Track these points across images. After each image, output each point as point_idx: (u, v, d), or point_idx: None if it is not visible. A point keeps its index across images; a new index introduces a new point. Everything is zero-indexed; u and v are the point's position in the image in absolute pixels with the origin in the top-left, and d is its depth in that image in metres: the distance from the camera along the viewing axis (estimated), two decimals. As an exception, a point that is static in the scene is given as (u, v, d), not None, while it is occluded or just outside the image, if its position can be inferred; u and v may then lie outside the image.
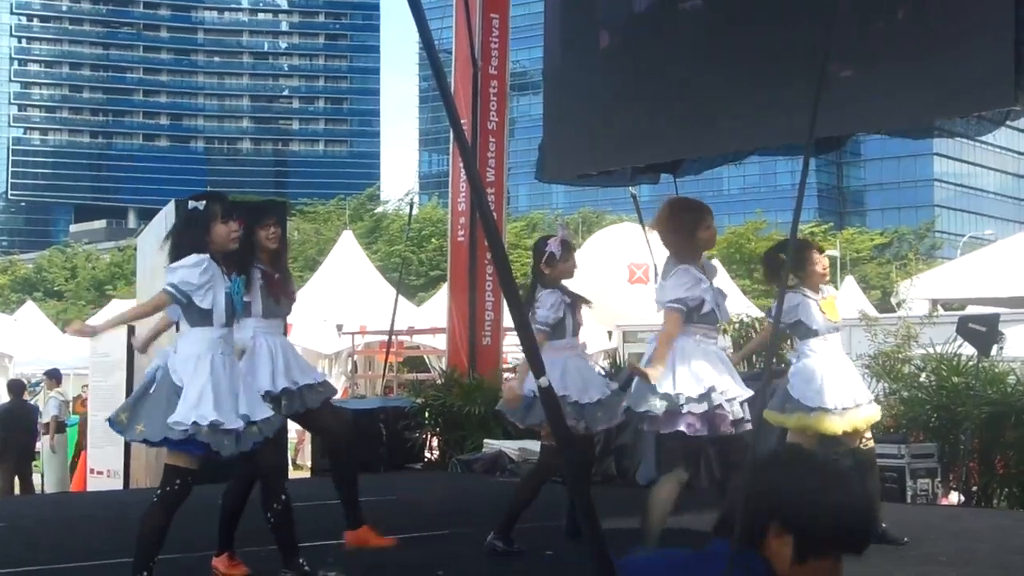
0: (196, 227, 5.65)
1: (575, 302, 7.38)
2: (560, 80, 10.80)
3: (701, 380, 5.98)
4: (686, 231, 6.26)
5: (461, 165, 15.50)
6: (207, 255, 5.56)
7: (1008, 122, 7.86)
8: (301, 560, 5.87)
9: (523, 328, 4.71)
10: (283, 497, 5.81)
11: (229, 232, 5.66)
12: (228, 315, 5.59)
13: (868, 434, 7.57)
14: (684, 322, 6.17)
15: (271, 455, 5.85)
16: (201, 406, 5.40)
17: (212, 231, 5.62)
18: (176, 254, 5.64)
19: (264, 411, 5.64)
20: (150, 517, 5.58)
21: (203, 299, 5.51)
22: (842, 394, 7.32)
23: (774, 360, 11.47)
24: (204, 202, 5.71)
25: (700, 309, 6.17)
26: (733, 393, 6.04)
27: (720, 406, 5.99)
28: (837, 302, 7.61)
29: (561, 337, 7.31)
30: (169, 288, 5.51)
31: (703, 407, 5.95)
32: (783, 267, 7.31)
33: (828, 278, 7.68)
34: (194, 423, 5.38)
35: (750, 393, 6.17)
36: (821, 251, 7.64)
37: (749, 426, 6.14)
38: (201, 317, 5.54)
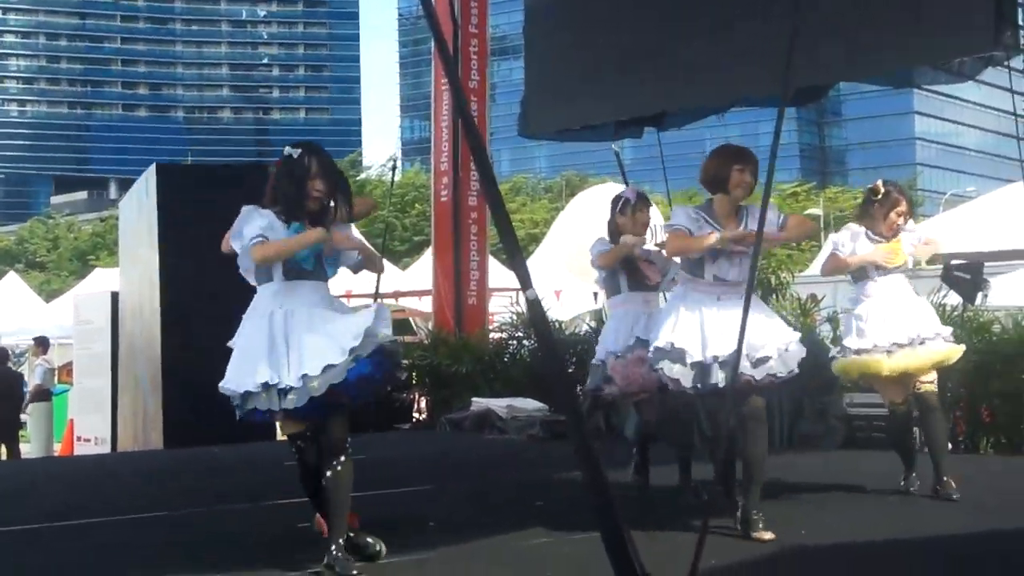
0: (290, 177, 5.33)
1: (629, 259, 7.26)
2: (542, 34, 10.74)
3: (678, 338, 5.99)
4: (721, 167, 6.16)
5: (444, 126, 15.46)
6: (255, 207, 5.34)
7: (990, 66, 7.83)
8: (334, 549, 5.23)
9: (507, 238, 4.56)
10: (336, 467, 5.28)
11: (312, 188, 5.33)
12: (290, 266, 5.28)
13: (929, 376, 7.22)
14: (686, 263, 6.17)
15: (334, 425, 5.33)
16: (232, 374, 5.26)
17: (305, 184, 5.32)
18: (269, 197, 5.38)
19: (317, 367, 5.14)
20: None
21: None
22: (891, 332, 7.02)
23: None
24: (299, 151, 5.37)
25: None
26: (713, 354, 5.93)
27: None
28: (907, 243, 7.22)
29: (615, 292, 7.33)
30: (256, 239, 5.24)
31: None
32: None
33: (898, 226, 7.19)
34: (231, 390, 5.24)
35: (770, 346, 5.99)
36: (911, 208, 7.28)
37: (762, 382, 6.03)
38: (263, 273, 5.35)
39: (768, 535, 5.96)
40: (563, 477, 7.68)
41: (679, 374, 5.98)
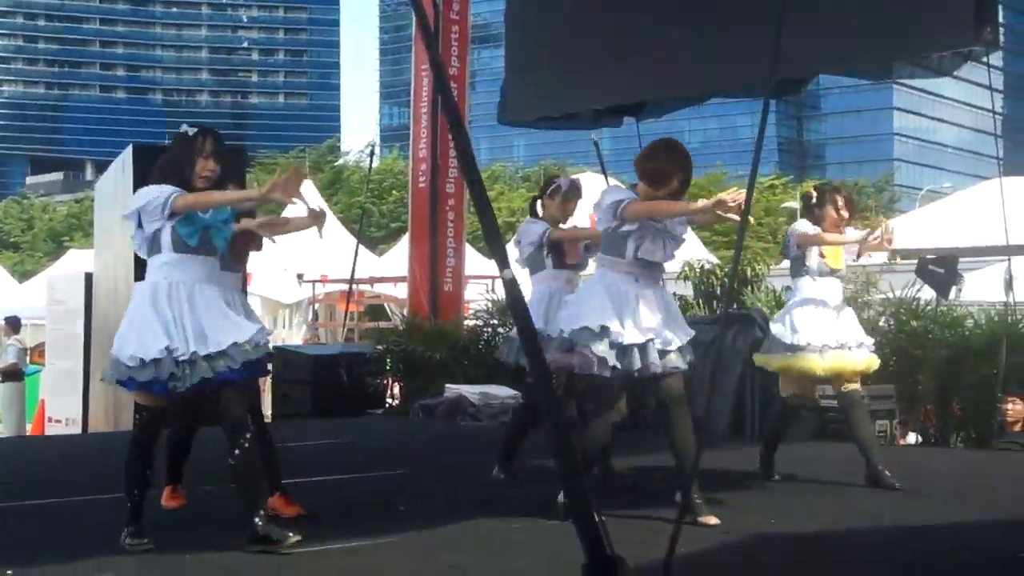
0: (182, 154, 5.51)
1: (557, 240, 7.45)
2: (522, 21, 10.73)
3: (598, 319, 5.96)
4: (667, 168, 6.11)
5: (423, 112, 15.43)
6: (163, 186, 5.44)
7: (970, 61, 7.86)
8: (258, 520, 5.33)
9: (485, 216, 4.51)
10: (244, 444, 5.36)
11: (203, 169, 5.49)
12: (177, 242, 5.38)
13: (853, 380, 7.45)
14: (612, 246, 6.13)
15: (234, 403, 5.40)
16: (126, 344, 5.32)
17: (195, 162, 5.48)
18: (158, 175, 5.51)
19: (219, 344, 5.31)
20: (127, 454, 5.52)
21: (148, 224, 5.42)
22: (824, 334, 7.27)
23: (733, 305, 11.54)
24: (195, 131, 5.55)
25: (612, 227, 6.07)
26: (634, 338, 5.94)
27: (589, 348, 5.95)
28: (844, 250, 7.49)
29: (540, 269, 7.49)
30: (175, 192, 5.39)
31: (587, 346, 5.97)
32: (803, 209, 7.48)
33: (842, 227, 7.47)
34: (116, 360, 5.33)
35: (677, 340, 6.05)
36: (849, 201, 7.46)
37: (674, 369, 6.05)
38: (153, 243, 5.45)
39: (713, 520, 5.98)
40: (535, 464, 7.68)
41: (605, 354, 5.94)
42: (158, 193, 5.38)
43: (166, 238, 5.41)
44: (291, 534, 5.27)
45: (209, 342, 5.29)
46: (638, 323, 5.96)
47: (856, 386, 7.48)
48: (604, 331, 5.93)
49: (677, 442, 6.07)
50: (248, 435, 5.36)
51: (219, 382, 5.33)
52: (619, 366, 5.94)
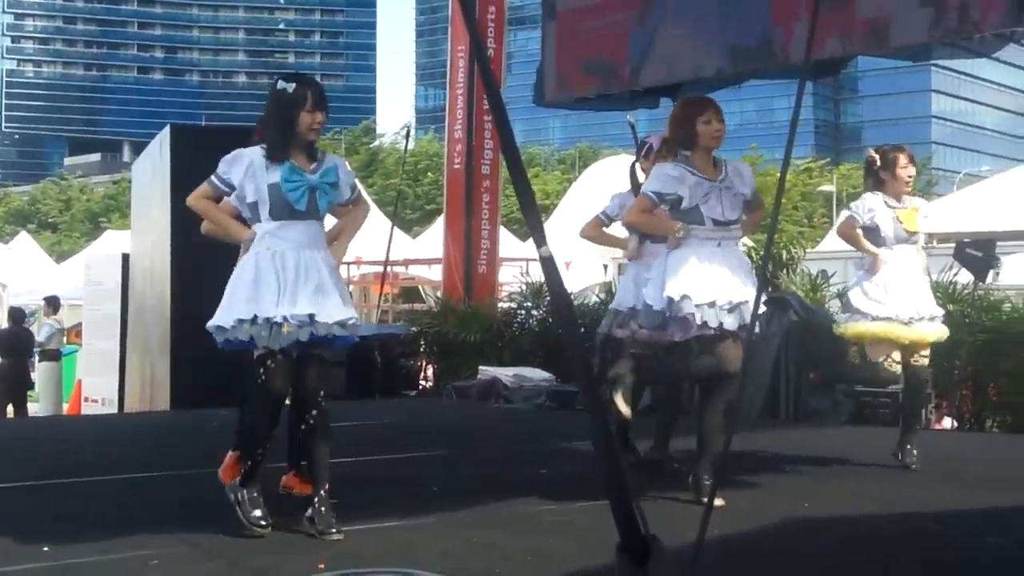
0: (282, 110, 5.27)
1: None
2: (558, 2, 10.70)
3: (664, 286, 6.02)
4: (686, 123, 6.19)
5: (459, 93, 15.42)
6: (246, 149, 5.30)
7: (1011, 43, 7.78)
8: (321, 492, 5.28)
9: (521, 188, 4.46)
10: (310, 421, 5.30)
11: (312, 122, 5.26)
12: (280, 207, 5.20)
13: (925, 351, 7.33)
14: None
15: (312, 376, 5.34)
16: (222, 311, 5.19)
17: (298, 117, 5.25)
18: (258, 136, 5.36)
19: (312, 311, 5.13)
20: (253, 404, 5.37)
21: (246, 193, 5.25)
22: (907, 304, 7.11)
23: (768, 288, 11.49)
24: (293, 85, 5.30)
25: (679, 205, 6.11)
26: (707, 298, 5.96)
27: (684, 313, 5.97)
28: (920, 214, 7.28)
29: (639, 241, 7.37)
30: (212, 178, 5.27)
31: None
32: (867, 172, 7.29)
33: (910, 187, 7.31)
34: (218, 327, 5.18)
35: (742, 298, 6.00)
36: (912, 159, 7.28)
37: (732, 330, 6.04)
38: (252, 212, 5.29)
39: (719, 501, 5.93)
40: (568, 446, 7.69)
41: (714, 316, 5.96)
42: (217, 170, 5.27)
43: (263, 204, 5.24)
44: (335, 531, 5.18)
45: (321, 307, 5.16)
46: (729, 288, 5.99)
47: (926, 361, 7.37)
48: (707, 300, 5.96)
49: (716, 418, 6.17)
50: (315, 412, 5.30)
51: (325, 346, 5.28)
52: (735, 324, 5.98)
